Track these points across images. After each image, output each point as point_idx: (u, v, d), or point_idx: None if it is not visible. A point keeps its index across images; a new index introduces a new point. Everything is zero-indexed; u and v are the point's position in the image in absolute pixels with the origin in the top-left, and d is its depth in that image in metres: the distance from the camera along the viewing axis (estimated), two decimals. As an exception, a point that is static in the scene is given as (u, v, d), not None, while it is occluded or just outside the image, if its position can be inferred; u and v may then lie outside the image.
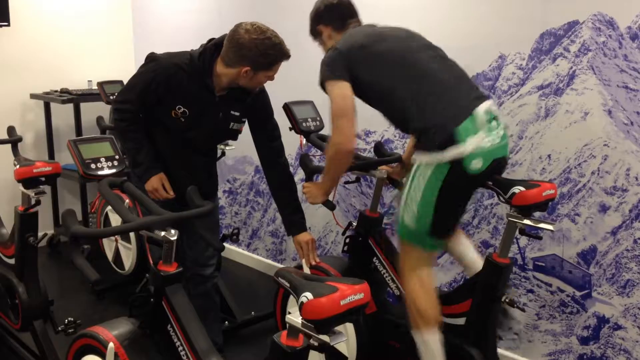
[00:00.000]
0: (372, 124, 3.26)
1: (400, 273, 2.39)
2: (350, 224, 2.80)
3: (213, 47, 2.38)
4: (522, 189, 2.09)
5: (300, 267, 2.63)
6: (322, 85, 2.31)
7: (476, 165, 2.07)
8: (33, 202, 2.47)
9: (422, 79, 2.18)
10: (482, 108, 2.11)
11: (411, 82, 2.19)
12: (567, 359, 2.69)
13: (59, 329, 2.55)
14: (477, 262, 2.40)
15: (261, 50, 2.27)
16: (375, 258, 2.69)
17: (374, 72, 2.25)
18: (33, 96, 4.30)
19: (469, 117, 2.08)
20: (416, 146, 2.23)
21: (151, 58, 2.43)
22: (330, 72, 2.26)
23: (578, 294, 2.63)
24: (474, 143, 2.05)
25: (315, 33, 2.57)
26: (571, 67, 2.53)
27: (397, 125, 2.38)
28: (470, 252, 2.47)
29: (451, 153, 2.05)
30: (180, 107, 2.42)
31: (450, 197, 2.13)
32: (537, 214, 2.38)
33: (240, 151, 3.98)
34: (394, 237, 3.01)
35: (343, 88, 2.24)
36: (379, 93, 2.27)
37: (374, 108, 2.37)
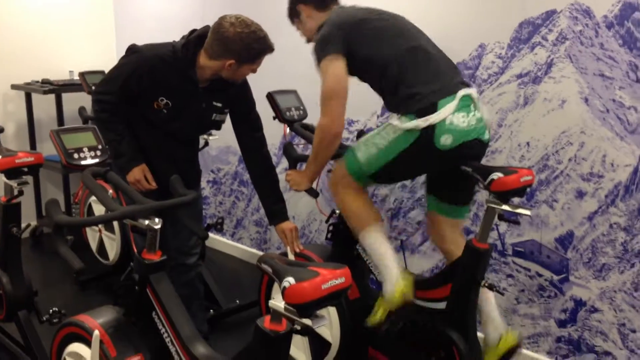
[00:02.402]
0: (354, 112, 3.29)
1: (331, 190, 2.48)
2: (333, 211, 2.83)
3: (196, 39, 2.38)
4: (501, 175, 2.13)
5: (285, 254, 2.66)
6: (318, 63, 2.29)
7: (445, 140, 2.11)
8: (15, 192, 2.47)
9: (419, 54, 2.22)
10: (464, 91, 2.17)
11: (409, 54, 2.22)
12: (545, 341, 2.76)
13: (44, 319, 2.55)
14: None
15: (246, 43, 2.27)
16: (358, 245, 2.72)
17: (369, 44, 2.26)
18: (14, 87, 4.27)
19: (451, 95, 2.13)
20: (395, 110, 2.25)
21: (133, 49, 2.43)
22: (325, 47, 2.25)
23: (556, 278, 2.69)
24: (447, 112, 2.09)
25: (294, 14, 2.55)
26: (549, 56, 2.57)
27: (386, 96, 2.35)
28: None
29: (424, 120, 2.10)
30: (162, 98, 2.42)
31: (406, 162, 2.19)
32: (515, 200, 2.42)
33: (223, 141, 3.99)
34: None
35: (338, 67, 2.24)
36: (375, 64, 2.27)
37: (366, 81, 2.38)
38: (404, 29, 2.30)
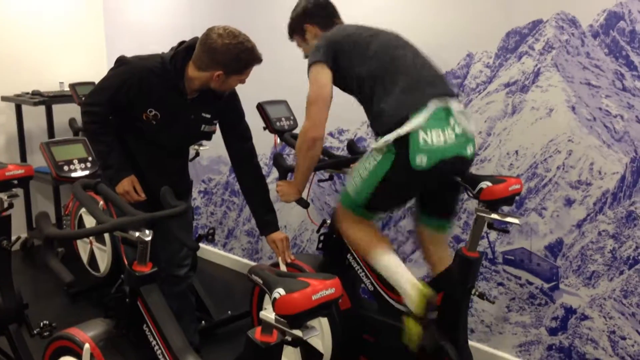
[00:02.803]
0: (345, 122, 3.30)
1: (340, 231, 2.47)
2: (324, 221, 2.84)
3: (184, 51, 2.39)
4: (489, 184, 2.15)
5: (276, 265, 2.66)
6: (308, 70, 2.34)
7: (420, 161, 2.08)
8: (6, 205, 2.46)
9: (398, 73, 2.23)
10: (439, 104, 2.14)
11: (387, 73, 2.23)
12: (536, 349, 2.77)
13: (34, 332, 2.54)
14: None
15: (234, 54, 2.29)
16: (349, 254, 2.72)
17: (355, 59, 2.29)
18: (4, 98, 4.26)
19: (421, 107, 2.11)
20: (373, 129, 2.29)
21: (122, 61, 2.43)
22: (316, 54, 2.31)
23: (546, 286, 2.70)
24: (414, 124, 2.07)
25: (296, 31, 2.58)
26: (536, 65, 2.60)
27: (367, 112, 2.37)
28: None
29: (394, 133, 2.09)
30: (151, 110, 2.43)
31: (390, 185, 2.19)
32: (505, 209, 2.43)
33: (215, 151, 4.00)
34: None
35: (323, 75, 2.29)
36: (353, 79, 2.31)
37: (355, 97, 2.41)
38: (387, 44, 2.30)
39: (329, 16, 2.54)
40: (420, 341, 2.24)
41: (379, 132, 2.21)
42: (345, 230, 2.42)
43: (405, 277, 2.26)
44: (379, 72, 2.24)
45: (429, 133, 2.08)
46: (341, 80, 2.35)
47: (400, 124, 2.10)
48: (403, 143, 2.09)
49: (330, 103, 2.30)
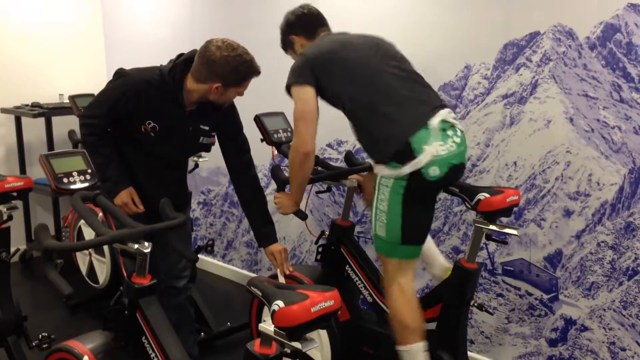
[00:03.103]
0: (343, 133, 3.31)
1: (384, 289, 2.39)
2: (322, 232, 2.84)
3: (183, 63, 2.40)
4: (487, 195, 2.16)
5: (275, 276, 2.66)
6: (288, 90, 2.37)
7: (434, 172, 2.13)
8: (5, 217, 2.46)
9: (380, 94, 2.24)
10: (437, 118, 2.17)
11: (370, 95, 2.24)
12: (536, 360, 2.76)
13: (33, 344, 2.53)
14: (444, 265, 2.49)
15: (232, 67, 2.30)
16: (347, 266, 2.73)
17: (336, 81, 2.31)
18: (4, 110, 4.27)
19: (423, 127, 2.14)
20: (374, 159, 2.28)
21: (120, 74, 2.44)
22: (295, 77, 2.33)
23: (545, 297, 2.70)
24: (430, 153, 2.11)
25: (287, 44, 2.61)
26: (534, 77, 2.61)
27: (358, 134, 2.38)
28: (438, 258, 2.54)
29: (409, 166, 2.11)
30: (150, 122, 2.43)
31: (414, 204, 2.18)
32: (504, 220, 2.44)
33: (214, 163, 4.00)
34: (366, 245, 3.07)
35: (305, 93, 2.31)
36: (341, 103, 2.33)
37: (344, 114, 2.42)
38: (369, 63, 2.30)
39: (312, 26, 2.54)
40: None
41: (378, 160, 2.22)
42: (389, 290, 2.32)
43: None
44: (364, 97, 2.25)
45: (434, 146, 2.12)
46: (326, 98, 2.37)
47: (406, 149, 2.11)
48: (411, 161, 2.12)
49: (317, 117, 2.31)
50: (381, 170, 2.21)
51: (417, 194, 2.17)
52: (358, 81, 2.27)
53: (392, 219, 2.20)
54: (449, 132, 2.19)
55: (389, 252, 2.28)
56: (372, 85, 2.25)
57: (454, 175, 2.22)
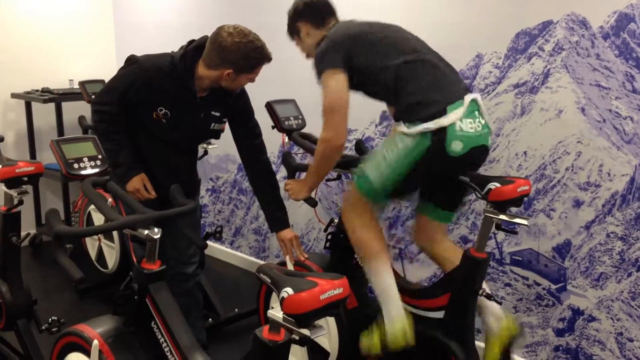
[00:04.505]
0: (353, 122, 3.28)
1: (342, 215, 2.46)
2: (331, 220, 2.84)
3: (194, 50, 2.40)
4: (498, 185, 2.15)
5: (284, 264, 2.67)
6: (319, 77, 2.31)
7: (456, 147, 2.13)
8: (16, 202, 2.48)
9: (419, 63, 2.24)
10: (470, 97, 2.19)
11: (409, 64, 2.23)
12: (543, 350, 2.76)
13: (43, 327, 2.55)
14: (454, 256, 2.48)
15: (244, 53, 2.29)
16: (356, 254, 2.73)
17: (370, 55, 2.28)
18: (14, 95, 4.29)
19: (459, 100, 2.16)
20: (401, 118, 2.25)
21: (132, 60, 2.44)
22: (326, 62, 2.28)
23: (553, 287, 2.70)
24: (456, 116, 2.12)
25: (293, 31, 2.58)
26: (546, 66, 2.59)
27: (392, 105, 2.37)
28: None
29: (435, 123, 2.11)
30: (161, 108, 2.44)
31: (423, 170, 2.20)
32: (513, 210, 2.43)
33: (222, 150, 4.01)
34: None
35: (339, 81, 2.26)
36: (374, 74, 2.29)
37: (370, 95, 2.41)
38: (402, 40, 2.32)
39: (321, 14, 2.51)
40: (375, 356, 2.32)
41: (408, 120, 2.20)
42: (352, 223, 2.38)
43: (395, 304, 2.28)
44: (410, 68, 2.23)
45: (463, 121, 2.14)
46: (359, 81, 2.33)
47: (437, 114, 2.12)
48: (440, 131, 2.12)
49: (348, 108, 2.28)
50: (402, 127, 2.19)
51: (432, 162, 2.17)
52: (396, 51, 2.25)
53: (393, 173, 2.21)
54: (476, 113, 2.20)
55: (368, 193, 2.31)
56: (418, 58, 2.24)
57: (475, 158, 2.23)
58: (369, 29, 2.34)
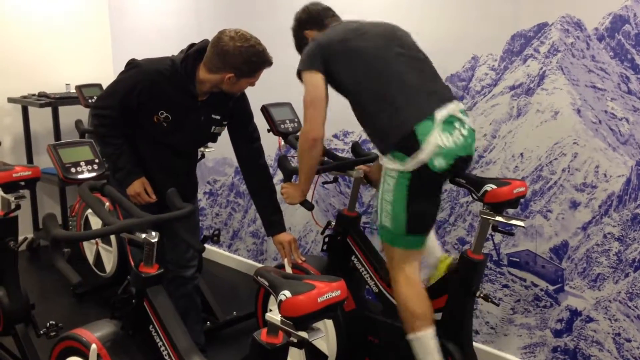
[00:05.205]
0: (349, 124, 3.31)
1: (390, 278, 2.38)
2: (329, 223, 2.84)
3: (195, 53, 2.41)
4: (494, 186, 2.16)
5: (281, 267, 2.67)
6: (299, 75, 2.37)
7: (439, 164, 2.13)
8: (13, 206, 2.48)
9: (388, 83, 2.23)
10: (444, 111, 2.16)
11: (377, 84, 2.24)
12: (541, 351, 2.77)
13: (41, 332, 2.55)
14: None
15: (245, 57, 2.31)
16: (353, 256, 2.73)
17: (344, 68, 2.31)
18: (10, 100, 4.28)
19: (428, 117, 2.14)
20: (379, 149, 2.28)
21: (132, 64, 2.45)
22: (306, 63, 2.34)
23: (551, 288, 2.70)
24: (433, 144, 2.11)
25: (301, 42, 2.57)
26: (541, 68, 2.60)
27: (364, 123, 2.38)
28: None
29: (414, 162, 2.12)
30: (162, 112, 2.44)
31: (419, 195, 2.19)
32: (510, 211, 2.44)
33: (220, 153, 4.01)
34: (372, 235, 3.07)
35: (316, 79, 2.31)
36: (349, 90, 2.33)
37: (348, 100, 2.41)
38: (383, 49, 2.30)
39: (322, 17, 2.54)
40: None
41: (384, 150, 2.22)
42: (396, 280, 2.32)
43: None
44: (372, 86, 2.25)
45: (440, 137, 2.12)
46: (333, 85, 2.37)
47: (411, 139, 2.12)
48: (417, 152, 2.12)
49: (326, 103, 2.32)
50: (386, 162, 2.21)
51: (422, 185, 2.17)
52: (366, 69, 2.26)
53: (397, 209, 2.20)
54: (456, 124, 2.18)
55: (394, 241, 2.28)
56: (381, 74, 2.24)
57: (460, 167, 2.22)
58: (352, 36, 2.34)
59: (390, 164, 2.19)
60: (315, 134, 2.32)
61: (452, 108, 2.20)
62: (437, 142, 2.11)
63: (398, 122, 2.16)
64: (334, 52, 2.32)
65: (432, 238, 2.51)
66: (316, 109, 2.30)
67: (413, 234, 2.25)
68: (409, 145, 2.12)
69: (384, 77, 2.24)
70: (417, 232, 2.26)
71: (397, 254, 2.30)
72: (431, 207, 2.28)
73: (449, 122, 2.17)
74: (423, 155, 2.11)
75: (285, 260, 2.64)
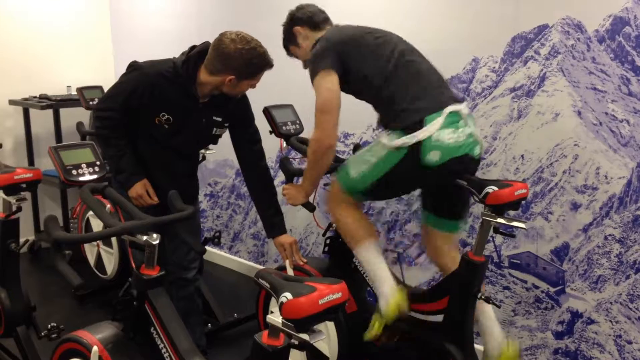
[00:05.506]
0: (351, 126, 3.31)
1: (327, 207, 2.52)
2: (330, 225, 2.84)
3: (196, 55, 2.41)
4: (495, 188, 2.15)
5: (282, 268, 2.67)
6: (313, 78, 2.32)
7: (432, 157, 2.14)
8: (14, 208, 2.48)
9: (409, 70, 2.26)
10: (452, 107, 2.19)
11: (399, 71, 2.25)
12: (542, 353, 2.77)
13: (42, 334, 2.55)
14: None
15: (246, 59, 2.31)
16: (354, 258, 2.73)
17: (361, 59, 2.29)
18: (12, 102, 4.29)
19: (438, 111, 2.16)
20: (384, 125, 2.31)
21: (134, 66, 2.46)
22: (320, 62, 2.29)
23: (552, 290, 2.70)
24: (432, 129, 2.13)
25: (290, 39, 2.57)
26: (542, 70, 2.60)
27: (378, 112, 2.38)
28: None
29: (411, 137, 2.14)
30: (164, 114, 2.45)
31: (394, 179, 2.24)
32: (511, 213, 2.44)
33: (220, 155, 4.01)
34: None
35: (331, 82, 2.27)
36: (367, 81, 2.30)
37: (362, 98, 2.42)
38: (395, 46, 2.32)
39: (316, 18, 2.53)
40: (379, 339, 2.39)
41: (391, 127, 2.24)
42: (336, 212, 2.45)
43: (386, 278, 2.33)
44: (397, 74, 2.25)
45: (441, 132, 2.14)
46: (350, 84, 2.34)
47: (417, 126, 2.14)
48: (417, 142, 2.14)
49: (340, 109, 2.29)
50: (384, 137, 2.24)
51: (404, 172, 2.21)
52: (384, 59, 2.27)
53: (371, 174, 2.27)
54: (461, 123, 2.20)
55: (346, 187, 2.37)
56: (406, 66, 2.26)
57: (458, 167, 2.21)
58: (363, 34, 2.35)
59: (387, 139, 2.21)
60: (330, 142, 2.30)
61: (460, 107, 2.22)
62: (438, 128, 2.13)
63: (414, 109, 2.18)
64: (348, 48, 2.30)
65: (491, 317, 2.38)
66: (331, 114, 2.27)
67: (365, 195, 2.37)
68: (414, 128, 2.15)
69: (409, 70, 2.26)
70: (369, 196, 2.41)
71: (342, 196, 2.40)
72: (396, 192, 2.45)
73: (454, 121, 2.18)
74: (421, 134, 2.13)
75: (287, 262, 2.64)
